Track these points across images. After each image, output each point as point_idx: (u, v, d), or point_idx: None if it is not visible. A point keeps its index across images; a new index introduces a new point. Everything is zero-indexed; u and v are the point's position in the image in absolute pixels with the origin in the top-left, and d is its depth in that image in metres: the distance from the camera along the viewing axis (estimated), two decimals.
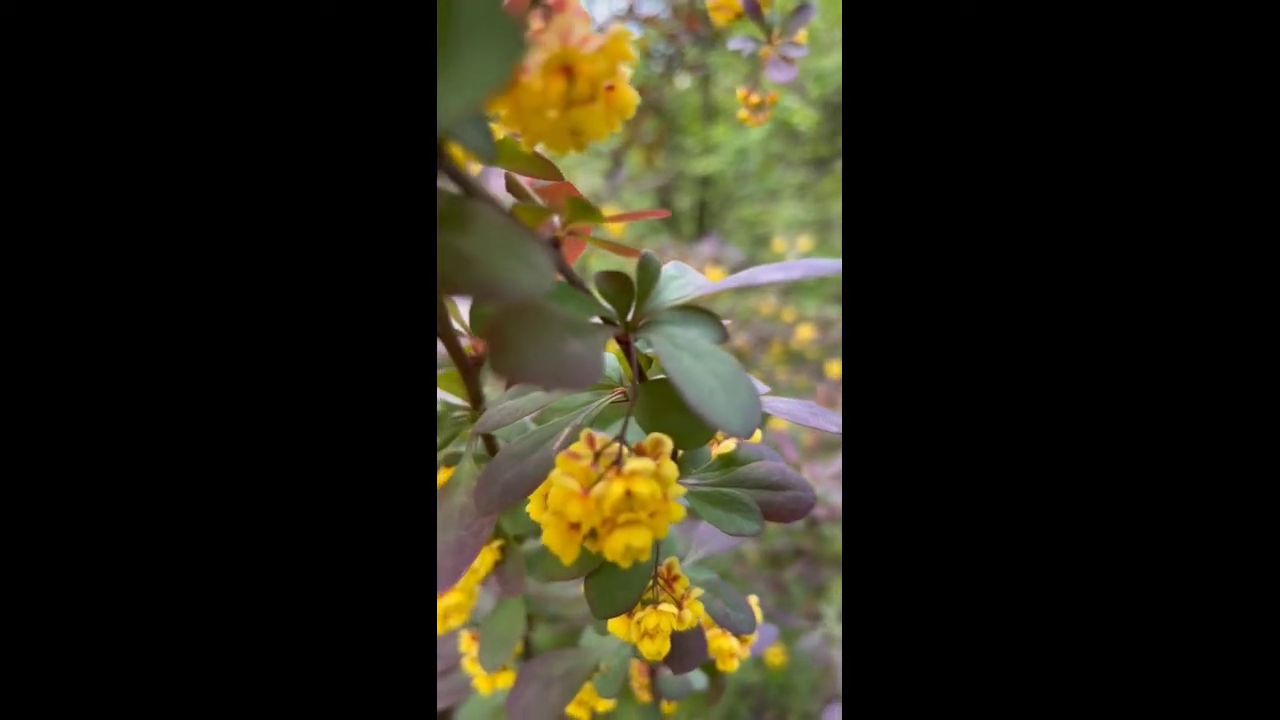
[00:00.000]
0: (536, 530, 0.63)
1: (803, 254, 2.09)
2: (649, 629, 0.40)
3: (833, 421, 0.39)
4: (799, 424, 0.36)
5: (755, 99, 0.82)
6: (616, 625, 0.41)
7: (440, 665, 0.77)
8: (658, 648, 0.41)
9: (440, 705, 0.78)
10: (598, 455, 0.29)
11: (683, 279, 0.31)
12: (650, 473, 0.26)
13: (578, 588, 0.76)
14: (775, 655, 1.38)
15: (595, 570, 0.39)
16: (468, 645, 0.66)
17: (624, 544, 0.26)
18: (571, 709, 0.61)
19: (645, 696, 0.64)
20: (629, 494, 0.26)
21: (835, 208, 2.46)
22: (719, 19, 0.72)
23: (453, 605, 0.62)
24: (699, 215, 3.01)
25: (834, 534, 1.36)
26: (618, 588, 0.38)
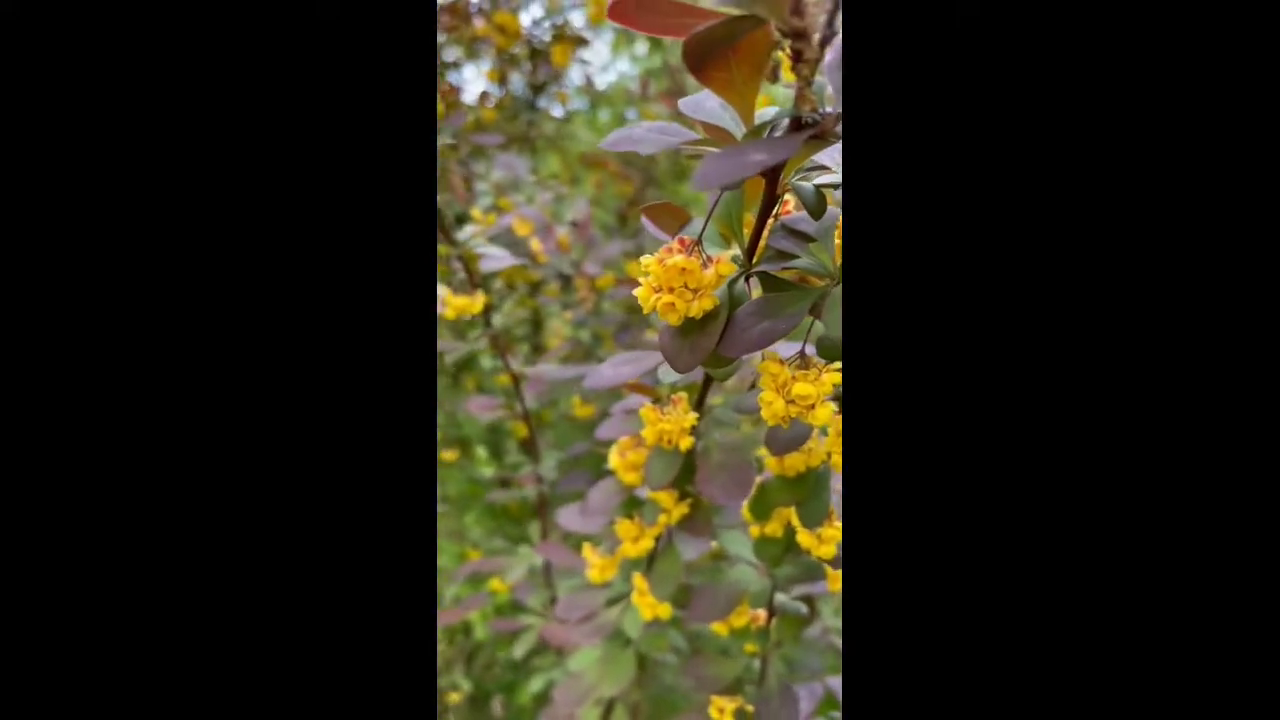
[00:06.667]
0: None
1: None
2: (827, 539, 0.67)
3: None
4: None
5: None
6: (805, 537, 0.68)
7: (582, 612, 1.02)
8: (830, 550, 0.68)
9: (580, 643, 1.03)
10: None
11: None
12: None
13: (694, 551, 1.01)
14: None
15: (802, 501, 0.66)
16: (640, 582, 0.91)
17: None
18: (715, 625, 0.87)
19: (760, 621, 0.90)
20: None
21: None
22: None
23: (639, 550, 0.87)
24: None
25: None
26: (818, 510, 0.65)
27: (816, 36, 0.33)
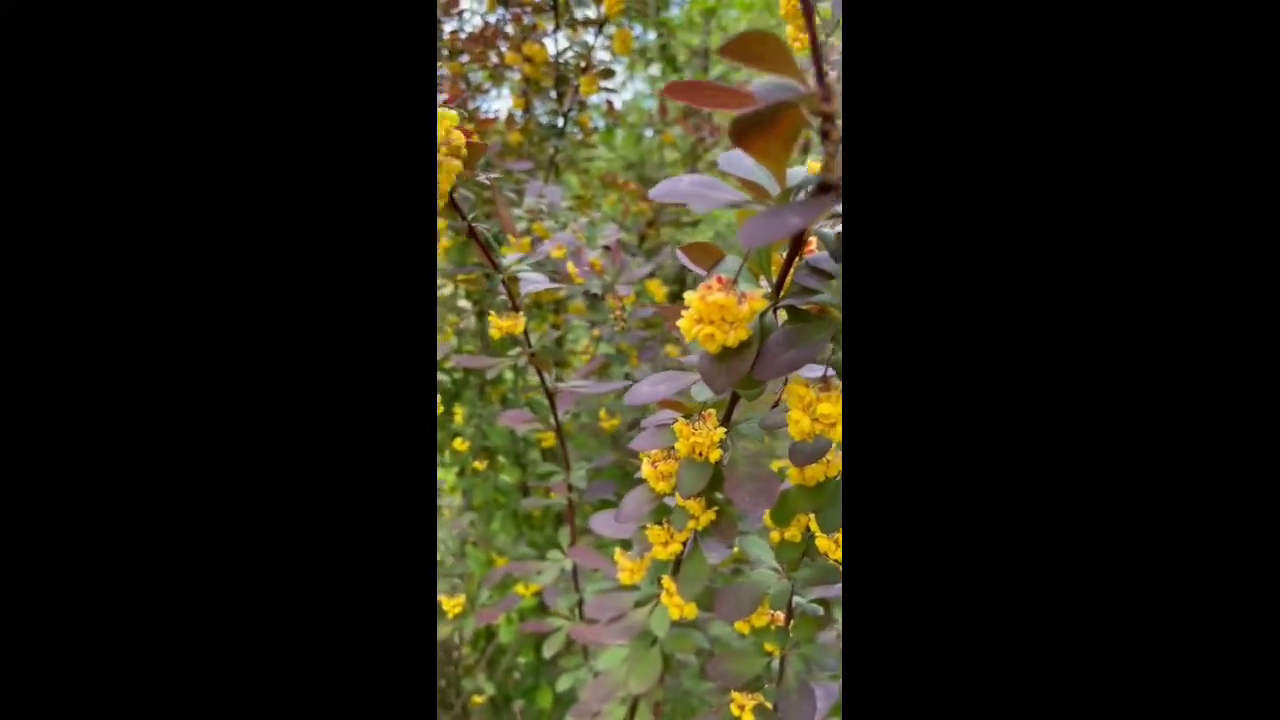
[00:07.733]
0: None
1: None
2: (840, 542, 0.73)
3: None
4: None
5: None
6: (824, 542, 0.74)
7: (612, 613, 1.08)
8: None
9: (609, 642, 1.09)
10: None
11: None
12: None
13: (719, 555, 1.08)
14: None
15: (821, 508, 0.72)
16: (669, 584, 0.98)
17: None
18: (737, 624, 0.93)
19: (779, 621, 0.96)
20: None
21: None
22: None
23: (668, 553, 0.94)
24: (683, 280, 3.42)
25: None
26: (835, 517, 0.71)
27: (841, 119, 0.40)
